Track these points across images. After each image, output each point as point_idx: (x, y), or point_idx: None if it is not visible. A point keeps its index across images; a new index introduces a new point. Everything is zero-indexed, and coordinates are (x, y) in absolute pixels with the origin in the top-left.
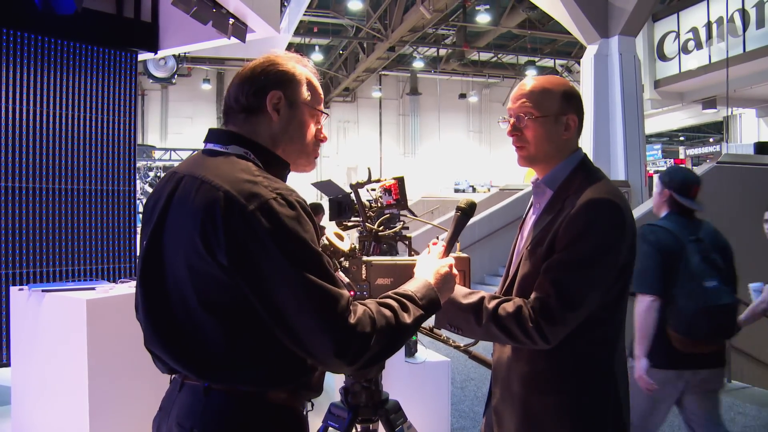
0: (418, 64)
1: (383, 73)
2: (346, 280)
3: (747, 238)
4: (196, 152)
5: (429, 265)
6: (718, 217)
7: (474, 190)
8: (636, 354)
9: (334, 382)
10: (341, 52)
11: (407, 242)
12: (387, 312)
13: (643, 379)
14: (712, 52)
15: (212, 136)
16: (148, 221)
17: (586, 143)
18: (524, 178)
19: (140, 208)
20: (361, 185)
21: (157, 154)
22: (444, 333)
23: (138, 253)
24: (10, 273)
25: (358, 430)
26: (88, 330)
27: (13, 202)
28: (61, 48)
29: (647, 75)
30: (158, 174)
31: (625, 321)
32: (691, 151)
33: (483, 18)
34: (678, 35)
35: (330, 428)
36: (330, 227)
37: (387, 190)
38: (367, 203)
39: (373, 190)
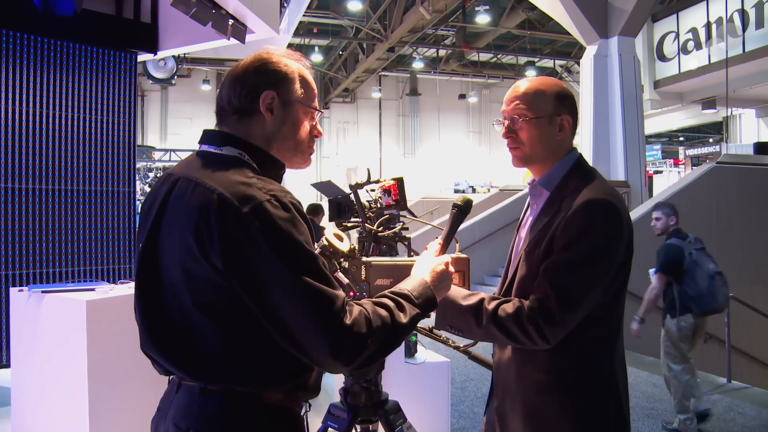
0: (417, 65)
1: (383, 73)
2: (346, 280)
3: (747, 237)
4: (191, 154)
5: (425, 264)
6: (717, 216)
7: (474, 190)
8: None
9: (333, 383)
10: (341, 52)
11: (407, 243)
12: (383, 312)
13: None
14: (711, 53)
15: (207, 137)
16: (144, 223)
17: (585, 144)
18: (523, 179)
19: (140, 209)
20: (360, 186)
21: (156, 155)
22: (443, 334)
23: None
24: (9, 274)
25: (358, 430)
26: (88, 331)
27: (12, 203)
28: (60, 49)
29: (647, 75)
30: (158, 175)
31: (623, 319)
32: (691, 152)
33: (482, 18)
34: (677, 35)
35: (330, 429)
36: (329, 228)
37: (386, 191)
38: (367, 204)
39: (373, 190)
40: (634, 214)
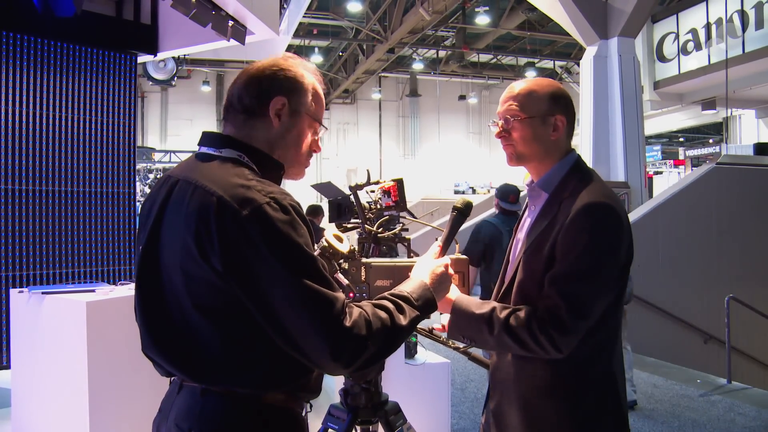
0: (417, 66)
1: (383, 74)
2: (346, 281)
3: (746, 238)
4: (190, 155)
5: (425, 266)
6: (717, 217)
7: (474, 191)
8: None
9: (333, 384)
10: (341, 53)
11: (406, 244)
12: (382, 314)
13: None
14: (711, 53)
15: (206, 139)
16: (144, 225)
17: (585, 144)
18: (523, 180)
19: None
20: (360, 187)
21: (156, 156)
22: (443, 335)
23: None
24: (10, 275)
25: (358, 431)
26: (88, 332)
27: (13, 205)
28: (60, 50)
29: (647, 76)
30: (158, 176)
31: (621, 321)
32: (691, 152)
33: (482, 19)
34: (677, 36)
35: (330, 430)
36: (329, 229)
37: (386, 192)
38: (367, 205)
39: (373, 192)
40: (634, 215)
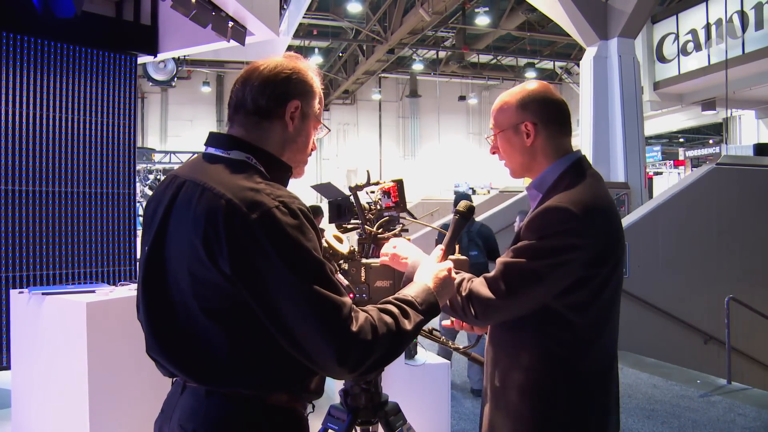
0: (417, 67)
1: (383, 75)
2: (346, 282)
3: (747, 238)
4: (196, 156)
5: (428, 269)
6: (717, 217)
7: (474, 192)
8: None
9: (333, 385)
10: (341, 54)
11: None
12: (388, 319)
13: None
14: (711, 54)
15: (213, 140)
16: (149, 226)
17: (585, 145)
18: (524, 180)
19: (140, 211)
20: (360, 188)
21: (156, 157)
22: (444, 333)
23: (138, 257)
24: (10, 276)
25: None
26: (88, 333)
27: (13, 205)
28: (60, 51)
29: (646, 77)
30: (158, 177)
31: (613, 330)
32: (691, 153)
33: (482, 20)
34: (677, 37)
35: (330, 430)
36: (329, 230)
37: (386, 193)
38: (367, 206)
39: (372, 192)
40: (634, 216)
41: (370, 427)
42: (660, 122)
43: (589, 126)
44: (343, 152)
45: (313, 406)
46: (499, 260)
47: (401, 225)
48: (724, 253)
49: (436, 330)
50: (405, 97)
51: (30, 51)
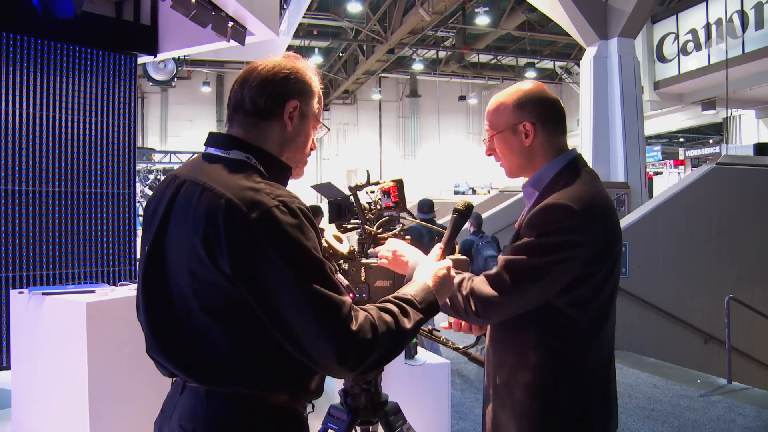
0: (417, 66)
1: (383, 75)
2: (346, 282)
3: (746, 238)
4: (196, 156)
5: (427, 268)
6: (717, 217)
7: (474, 191)
8: None
9: (333, 384)
10: (341, 54)
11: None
12: (388, 317)
13: None
14: (711, 54)
15: (213, 140)
16: (149, 226)
17: (585, 145)
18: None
19: (140, 211)
20: (360, 188)
21: (156, 157)
22: (443, 335)
23: (138, 257)
24: (10, 276)
25: None
26: (88, 333)
27: (13, 205)
28: (60, 51)
29: (646, 76)
30: (158, 177)
31: (611, 325)
32: (691, 153)
33: (482, 20)
34: (677, 37)
35: (329, 430)
36: (329, 230)
37: (386, 193)
38: (366, 206)
39: (372, 192)
40: (634, 215)
41: (370, 427)
42: (660, 122)
43: (589, 126)
44: (343, 152)
45: (313, 406)
46: (500, 257)
47: (401, 225)
48: (724, 253)
49: (436, 330)
50: (405, 97)
51: (30, 51)
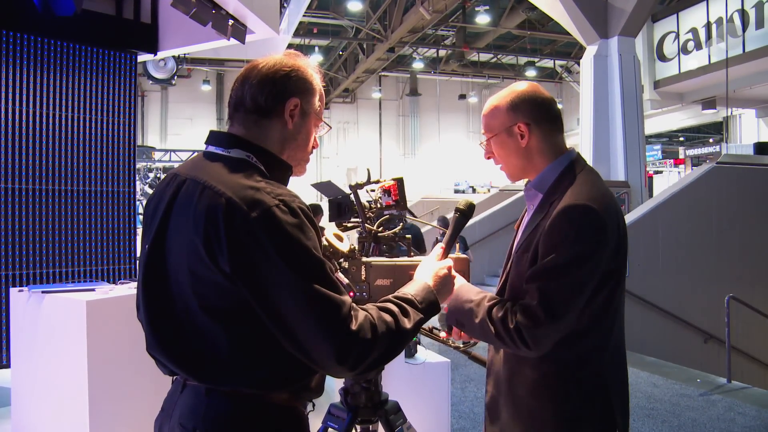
0: (417, 65)
1: (383, 74)
2: (346, 281)
3: (747, 237)
4: (196, 154)
5: (428, 268)
6: (717, 216)
7: (474, 190)
8: None
9: (334, 383)
10: (341, 53)
11: (406, 243)
12: (387, 317)
13: None
14: (711, 53)
15: (214, 138)
16: (150, 225)
17: (586, 144)
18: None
19: (140, 209)
20: (360, 186)
21: (156, 155)
22: (443, 334)
23: (138, 255)
24: (9, 274)
25: (358, 430)
26: (88, 331)
27: (12, 204)
28: (60, 49)
29: (647, 75)
30: (158, 175)
31: (622, 327)
32: (691, 152)
33: (482, 19)
34: (677, 36)
35: (329, 429)
36: (329, 228)
37: (386, 191)
38: (367, 204)
39: (373, 191)
40: (635, 215)
41: (370, 426)
42: (660, 121)
43: (590, 125)
44: (343, 151)
45: (314, 405)
46: (533, 281)
47: (402, 223)
48: (724, 252)
49: (436, 328)
50: (405, 96)
51: (30, 49)
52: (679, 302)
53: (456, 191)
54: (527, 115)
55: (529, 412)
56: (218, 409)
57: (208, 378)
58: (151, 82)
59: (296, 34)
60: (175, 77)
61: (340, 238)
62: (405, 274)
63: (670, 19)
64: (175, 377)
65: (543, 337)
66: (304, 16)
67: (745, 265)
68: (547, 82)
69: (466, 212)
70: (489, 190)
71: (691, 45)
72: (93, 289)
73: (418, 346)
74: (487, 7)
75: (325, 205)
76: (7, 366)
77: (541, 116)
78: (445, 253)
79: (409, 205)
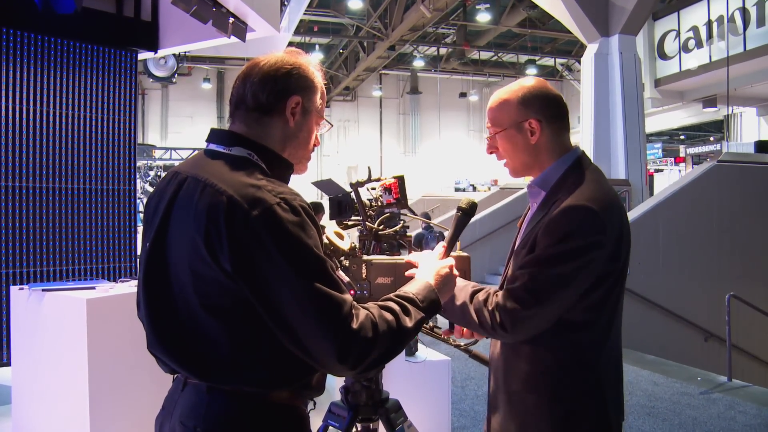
0: (418, 63)
1: (383, 72)
2: (347, 279)
3: (747, 235)
4: (197, 152)
5: (430, 266)
6: (718, 215)
7: (474, 188)
8: None
9: (334, 382)
10: (341, 51)
11: (407, 241)
12: (389, 316)
13: None
14: (712, 51)
15: (215, 136)
16: (151, 222)
17: (586, 142)
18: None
19: (140, 208)
20: (361, 184)
21: (157, 153)
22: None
23: (139, 254)
24: (10, 272)
25: (359, 429)
26: (89, 329)
27: (13, 202)
28: (61, 47)
29: (648, 74)
30: (158, 173)
31: (620, 326)
32: (692, 150)
33: (483, 17)
34: (678, 34)
35: (330, 427)
36: (330, 226)
37: (387, 189)
38: (367, 202)
39: (373, 189)
40: (635, 213)
41: (371, 424)
42: (661, 119)
43: (590, 123)
44: (343, 149)
45: (314, 403)
46: (521, 269)
47: (402, 221)
48: (725, 251)
49: (437, 327)
50: (406, 94)
51: (30, 47)
52: (679, 300)
53: (456, 189)
54: (539, 112)
55: (524, 406)
56: (219, 408)
57: (208, 376)
58: (151, 80)
59: (297, 32)
60: (176, 75)
61: (341, 237)
62: (405, 273)
63: (671, 17)
64: (175, 375)
65: (522, 320)
66: (304, 14)
67: (746, 264)
68: (548, 81)
69: (468, 211)
70: (489, 189)
71: (692, 43)
72: (93, 288)
73: (419, 344)
74: (488, 5)
75: (325, 203)
76: (8, 364)
77: (552, 114)
78: (447, 252)
79: (409, 203)
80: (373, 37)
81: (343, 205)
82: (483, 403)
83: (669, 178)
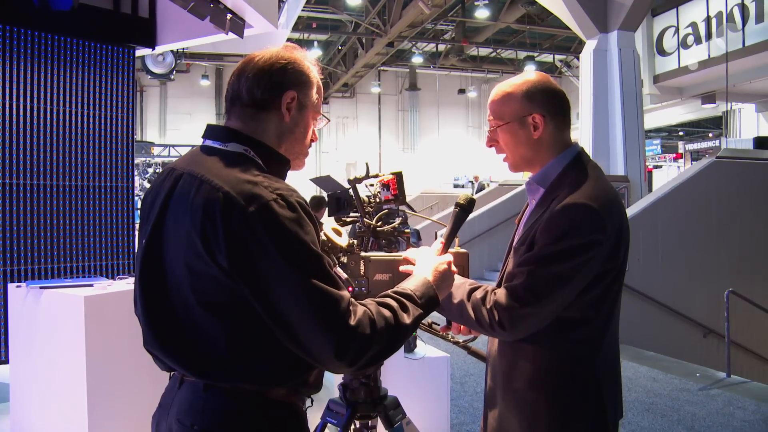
0: (417, 60)
1: (382, 68)
2: (344, 275)
3: (746, 231)
4: (193, 148)
5: (428, 262)
6: (717, 211)
7: (473, 185)
8: None
9: (333, 378)
10: (340, 47)
11: (405, 238)
12: (386, 312)
13: None
14: (711, 47)
15: (211, 132)
16: (147, 219)
17: (585, 138)
18: (523, 174)
19: (138, 205)
20: (359, 180)
21: (155, 151)
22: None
23: (136, 251)
24: (7, 270)
25: (357, 426)
26: (86, 327)
27: (10, 199)
28: (58, 44)
29: (646, 70)
30: (157, 170)
31: (617, 323)
32: (691, 146)
33: (482, 13)
34: (677, 30)
35: (328, 424)
36: (328, 223)
37: (385, 186)
38: (366, 198)
39: (372, 185)
40: (634, 209)
41: (369, 421)
42: (660, 116)
43: (589, 119)
44: (342, 145)
45: (312, 400)
46: (520, 266)
47: (400, 218)
48: (724, 247)
49: (436, 323)
50: (404, 90)
51: (27, 44)
52: (678, 296)
53: (455, 186)
54: (542, 107)
55: (521, 403)
56: (216, 405)
57: (205, 374)
58: (149, 77)
59: (295, 28)
60: (174, 72)
61: (339, 233)
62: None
63: (669, 13)
64: (172, 373)
65: (520, 318)
66: (303, 10)
67: (745, 260)
68: None
69: (466, 207)
70: (488, 185)
71: (690, 39)
72: (91, 285)
73: (418, 341)
74: (487, 2)
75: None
76: (6, 362)
77: (555, 109)
78: (445, 248)
79: (408, 199)
80: (372, 33)
81: (342, 202)
82: (482, 399)
83: (668, 175)
